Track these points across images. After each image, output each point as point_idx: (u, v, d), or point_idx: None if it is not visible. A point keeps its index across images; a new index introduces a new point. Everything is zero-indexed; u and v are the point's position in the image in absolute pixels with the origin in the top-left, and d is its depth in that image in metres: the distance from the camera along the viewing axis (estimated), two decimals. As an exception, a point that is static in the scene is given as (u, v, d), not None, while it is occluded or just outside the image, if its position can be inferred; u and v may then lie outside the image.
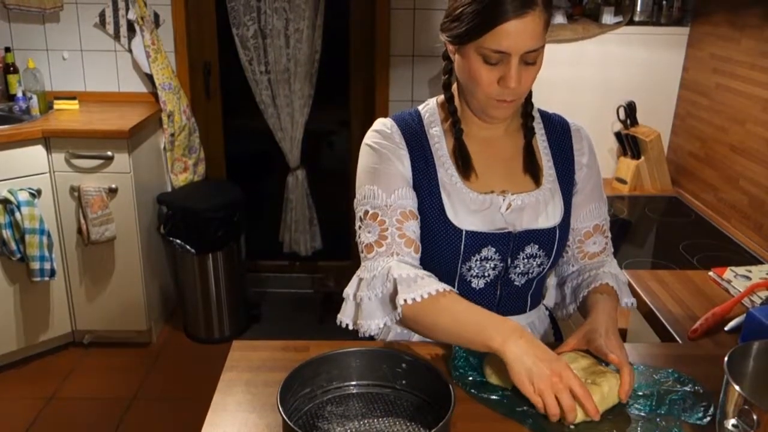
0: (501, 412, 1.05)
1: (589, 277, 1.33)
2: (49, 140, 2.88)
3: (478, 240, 1.26)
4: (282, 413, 0.93)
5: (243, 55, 3.42)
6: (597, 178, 1.37)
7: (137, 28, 3.21)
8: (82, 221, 2.93)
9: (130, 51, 3.30)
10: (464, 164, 1.27)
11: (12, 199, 2.76)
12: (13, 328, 2.98)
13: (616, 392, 1.05)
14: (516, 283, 1.32)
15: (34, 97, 3.07)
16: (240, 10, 3.35)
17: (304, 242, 3.72)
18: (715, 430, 0.95)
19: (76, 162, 2.92)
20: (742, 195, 2.14)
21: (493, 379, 1.11)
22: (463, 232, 1.25)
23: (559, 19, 2.61)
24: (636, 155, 2.56)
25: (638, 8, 2.55)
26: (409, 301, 1.13)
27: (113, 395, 2.88)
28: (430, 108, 1.34)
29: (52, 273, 2.89)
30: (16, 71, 3.22)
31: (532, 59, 1.16)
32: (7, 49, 3.22)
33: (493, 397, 1.09)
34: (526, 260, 1.29)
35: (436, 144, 1.29)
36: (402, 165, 1.27)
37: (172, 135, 3.29)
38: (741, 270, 1.60)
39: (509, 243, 1.27)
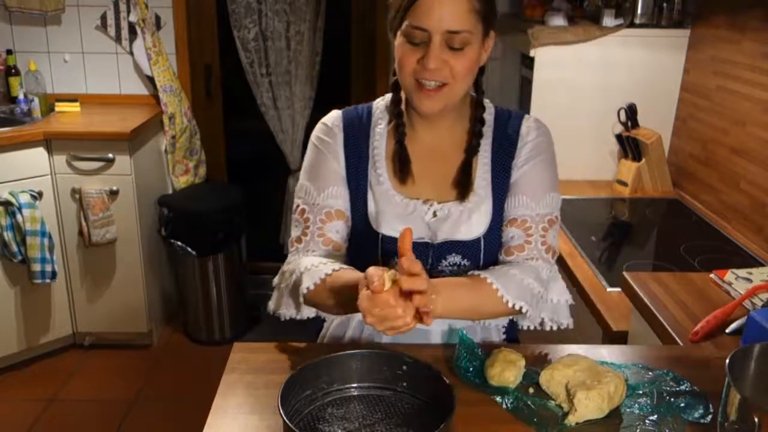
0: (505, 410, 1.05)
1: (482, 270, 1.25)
2: (51, 142, 2.88)
3: (394, 245, 1.21)
4: (283, 415, 0.93)
5: (244, 58, 3.43)
6: (537, 174, 1.29)
7: (138, 30, 3.21)
8: (83, 223, 2.93)
9: (131, 53, 3.30)
10: (402, 168, 1.27)
11: (13, 201, 2.76)
12: (14, 329, 2.98)
13: (621, 392, 1.05)
14: None
15: (36, 100, 3.07)
16: (241, 12, 3.36)
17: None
18: (716, 430, 0.95)
19: (78, 164, 2.92)
20: (743, 197, 2.14)
21: (495, 381, 1.11)
22: (380, 236, 1.25)
23: (559, 21, 2.61)
24: (637, 157, 2.56)
25: (639, 10, 2.55)
26: (311, 288, 1.16)
27: (114, 397, 2.88)
28: (382, 104, 1.34)
29: (53, 275, 2.89)
30: (17, 73, 3.22)
31: (458, 44, 1.14)
32: (9, 52, 3.23)
33: (497, 398, 1.09)
34: (450, 267, 1.28)
35: (375, 143, 1.29)
36: (337, 163, 1.29)
37: (173, 137, 3.29)
38: (742, 272, 1.60)
39: (428, 252, 1.26)
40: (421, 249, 1.26)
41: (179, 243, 3.17)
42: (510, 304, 1.19)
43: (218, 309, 3.29)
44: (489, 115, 1.32)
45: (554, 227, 1.30)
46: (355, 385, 1.10)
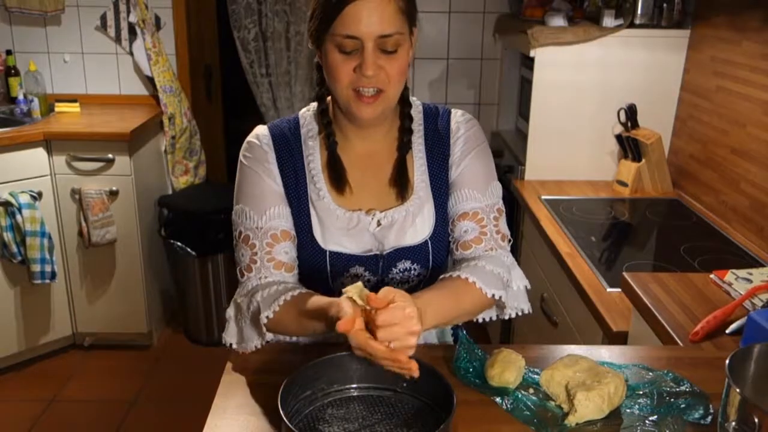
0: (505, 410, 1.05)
1: (452, 269, 1.24)
2: (50, 143, 2.89)
3: (343, 261, 1.23)
4: (283, 416, 0.93)
5: (244, 58, 3.43)
6: (476, 165, 1.28)
7: (138, 30, 3.21)
8: (83, 224, 2.93)
9: (131, 54, 3.30)
10: (336, 178, 1.24)
11: (13, 201, 2.76)
12: (13, 330, 2.98)
13: (621, 392, 1.05)
14: None
15: (35, 100, 3.07)
16: (241, 12, 3.36)
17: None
18: (716, 431, 0.95)
19: (77, 164, 2.92)
20: (743, 197, 2.14)
21: (495, 381, 1.11)
22: (327, 253, 1.23)
23: (559, 21, 2.61)
24: (637, 158, 2.56)
25: (639, 11, 2.55)
26: (270, 317, 1.12)
27: (114, 398, 2.88)
28: (309, 115, 1.30)
29: (53, 275, 2.89)
30: (17, 74, 3.22)
31: (391, 47, 1.12)
32: (9, 52, 3.23)
33: (497, 399, 1.09)
34: (401, 274, 1.27)
35: (309, 156, 1.26)
36: (273, 181, 1.23)
37: (173, 137, 3.29)
38: (742, 272, 1.60)
39: (378, 263, 1.25)
40: (371, 261, 1.24)
41: (179, 243, 3.17)
42: (490, 295, 1.19)
43: (218, 309, 3.29)
44: (418, 113, 1.31)
45: (503, 215, 1.30)
46: (355, 385, 1.10)
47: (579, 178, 2.69)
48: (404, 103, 1.27)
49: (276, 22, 3.37)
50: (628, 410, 1.06)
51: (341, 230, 1.24)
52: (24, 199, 2.78)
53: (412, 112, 1.29)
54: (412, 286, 1.28)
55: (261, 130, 1.28)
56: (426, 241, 1.26)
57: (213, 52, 3.51)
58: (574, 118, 2.65)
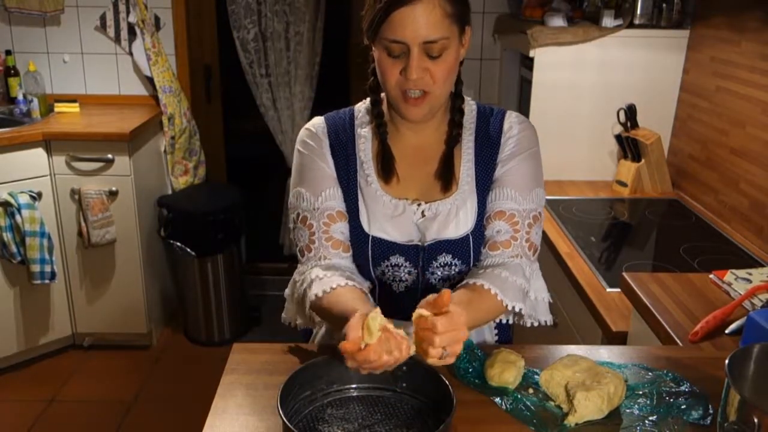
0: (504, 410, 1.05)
1: (474, 273, 1.24)
2: (50, 143, 2.88)
3: (385, 247, 1.26)
4: (282, 416, 0.93)
5: (243, 58, 3.43)
6: (523, 167, 1.28)
7: (138, 31, 3.21)
8: (83, 224, 2.93)
9: (130, 54, 3.30)
10: (385, 167, 1.27)
11: (12, 201, 2.76)
12: (13, 330, 2.98)
13: (620, 393, 1.05)
14: (438, 287, 1.29)
15: (35, 100, 3.07)
16: (240, 13, 3.36)
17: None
18: (716, 431, 0.95)
19: (77, 165, 2.92)
20: (743, 197, 2.14)
21: (495, 382, 1.11)
22: (370, 238, 1.26)
23: (559, 22, 2.61)
24: (636, 158, 2.56)
25: (638, 11, 2.55)
26: (316, 297, 1.18)
27: (113, 398, 2.88)
28: (363, 107, 1.34)
29: (53, 276, 2.89)
30: (16, 74, 3.22)
31: (436, 52, 1.14)
32: (8, 52, 3.23)
33: (496, 399, 1.09)
34: (441, 268, 1.28)
35: (361, 144, 1.30)
36: (327, 165, 1.29)
37: (173, 138, 3.29)
38: (741, 273, 1.60)
39: (419, 254, 1.27)
40: (412, 251, 1.26)
41: (178, 244, 3.17)
42: (510, 307, 1.20)
43: (217, 310, 3.29)
44: (471, 111, 1.32)
45: (538, 224, 1.30)
46: (354, 385, 1.10)
47: (578, 178, 2.69)
48: (456, 97, 1.29)
49: (275, 23, 3.37)
50: (627, 410, 1.06)
51: (386, 216, 1.26)
52: (23, 199, 2.78)
53: (465, 108, 1.30)
54: (453, 284, 1.28)
55: (317, 120, 1.33)
56: (467, 235, 1.27)
57: (212, 53, 3.51)
58: (573, 118, 2.65)
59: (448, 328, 0.98)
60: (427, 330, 0.98)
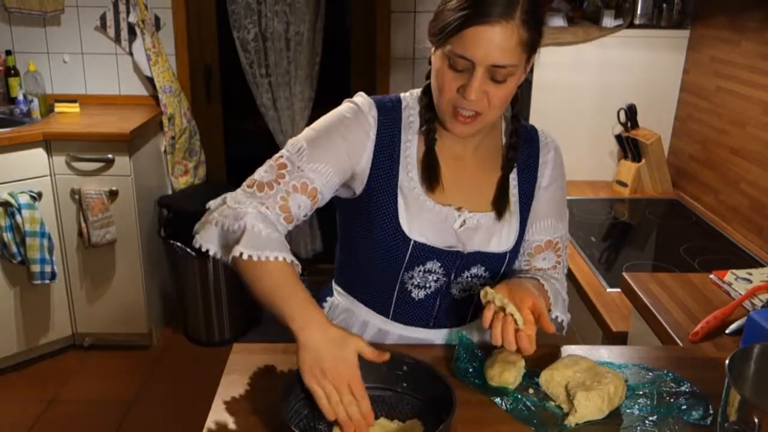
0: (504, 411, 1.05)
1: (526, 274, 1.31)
2: (50, 143, 2.88)
3: (424, 252, 1.23)
4: (282, 416, 0.93)
5: (243, 58, 3.43)
6: (559, 194, 1.33)
7: (138, 31, 3.21)
8: (83, 224, 2.93)
9: (130, 54, 3.30)
10: (430, 174, 1.23)
11: (13, 201, 2.76)
12: (13, 330, 2.98)
13: (621, 393, 1.06)
14: (456, 297, 1.30)
15: (35, 100, 3.07)
16: (241, 13, 3.36)
17: (304, 244, 3.72)
18: (716, 431, 0.95)
19: (77, 165, 2.92)
20: (743, 197, 2.14)
21: (495, 382, 1.11)
22: (412, 242, 1.22)
23: (559, 22, 2.61)
24: (636, 158, 2.57)
25: (638, 11, 2.55)
26: (245, 257, 1.09)
27: (113, 398, 2.88)
28: (411, 102, 1.27)
29: (53, 276, 2.89)
30: (17, 74, 3.22)
31: (501, 77, 1.10)
32: (8, 52, 3.23)
33: (496, 399, 1.09)
34: (470, 279, 1.28)
35: (407, 143, 1.25)
36: (352, 153, 1.21)
37: (173, 138, 3.29)
38: (742, 273, 1.60)
39: (456, 261, 1.25)
40: (450, 258, 1.25)
41: (179, 244, 3.17)
42: (553, 317, 1.26)
43: (218, 310, 3.29)
44: (508, 127, 1.32)
45: (567, 243, 1.39)
46: (354, 385, 1.10)
47: (579, 179, 2.69)
48: (514, 119, 1.28)
49: (276, 23, 3.37)
50: (627, 410, 1.06)
51: (428, 222, 1.23)
52: (24, 199, 2.78)
53: (519, 131, 1.29)
54: (472, 294, 1.31)
55: (370, 107, 1.23)
56: (506, 252, 1.28)
57: (213, 53, 3.51)
58: (573, 118, 2.65)
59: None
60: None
